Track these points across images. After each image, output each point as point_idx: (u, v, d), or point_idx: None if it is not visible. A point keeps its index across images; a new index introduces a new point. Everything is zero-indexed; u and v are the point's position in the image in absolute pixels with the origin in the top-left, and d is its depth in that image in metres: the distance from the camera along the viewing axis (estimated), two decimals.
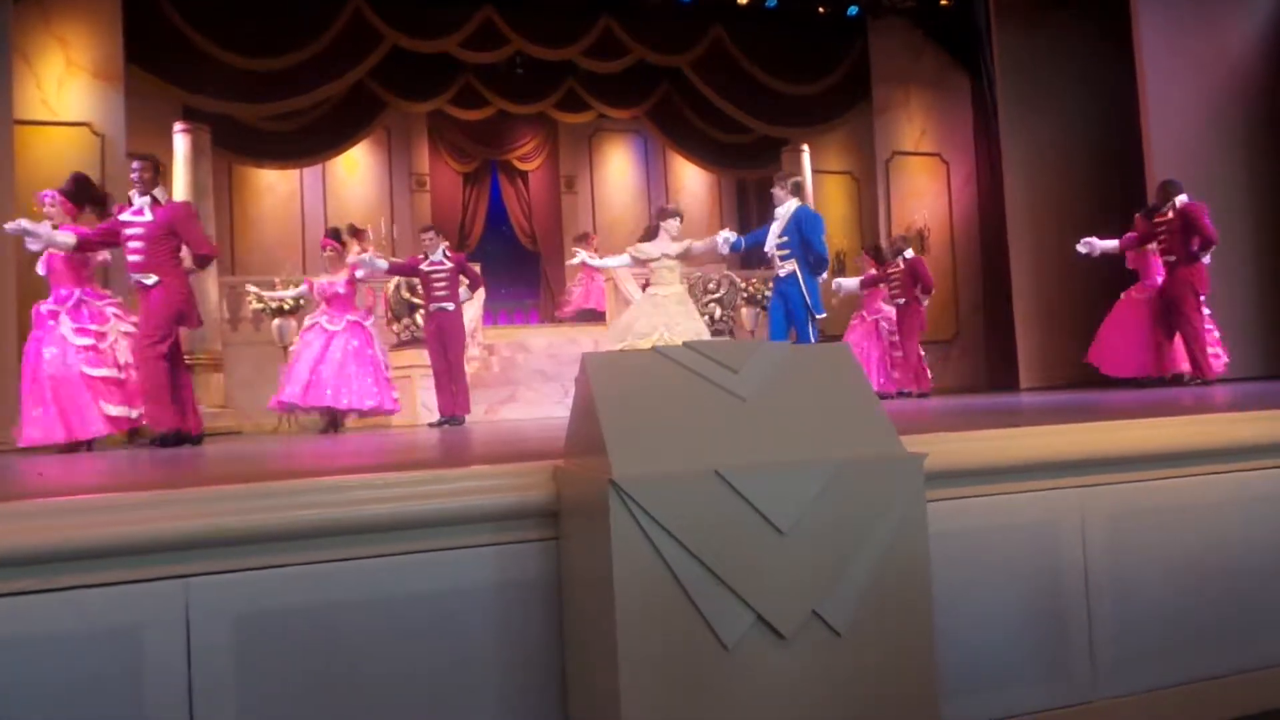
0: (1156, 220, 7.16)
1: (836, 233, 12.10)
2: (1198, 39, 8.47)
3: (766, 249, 6.32)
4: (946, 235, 11.22)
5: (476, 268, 8.08)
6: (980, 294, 11.08)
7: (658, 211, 6.28)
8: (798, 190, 6.43)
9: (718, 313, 9.76)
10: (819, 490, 1.74)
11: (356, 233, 11.67)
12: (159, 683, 1.82)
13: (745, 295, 10.44)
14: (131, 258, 5.41)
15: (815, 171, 12.21)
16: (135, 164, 5.46)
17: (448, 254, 7.46)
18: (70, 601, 1.78)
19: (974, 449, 2.42)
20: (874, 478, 1.80)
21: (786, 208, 6.27)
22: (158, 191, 5.43)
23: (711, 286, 9.83)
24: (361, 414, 7.23)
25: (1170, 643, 2.53)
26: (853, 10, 11.09)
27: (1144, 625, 2.51)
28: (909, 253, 9.06)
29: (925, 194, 11.19)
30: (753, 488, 1.71)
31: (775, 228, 6.28)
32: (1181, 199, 6.99)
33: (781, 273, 6.23)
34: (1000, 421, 3.09)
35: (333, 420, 7.20)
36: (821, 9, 11.13)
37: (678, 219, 6.32)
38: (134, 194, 5.43)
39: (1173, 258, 7.03)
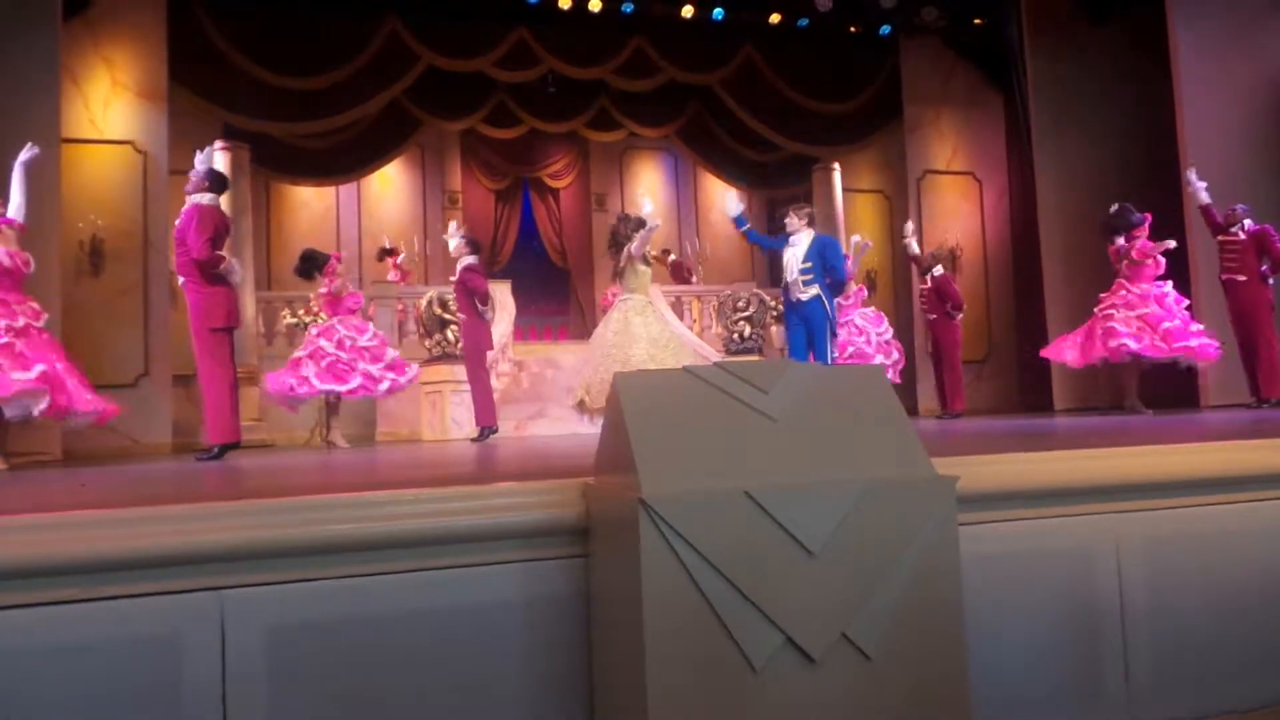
0: (1225, 240, 7.15)
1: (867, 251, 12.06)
2: (1235, 57, 8.37)
3: (788, 275, 6.43)
4: (979, 254, 11.13)
5: (500, 287, 8.08)
6: (1013, 313, 10.96)
7: (637, 222, 6.02)
8: (813, 221, 6.70)
9: (747, 330, 9.74)
10: (849, 511, 1.74)
11: (389, 252, 11.81)
12: (194, 691, 1.84)
13: (775, 314, 10.41)
14: None
15: (846, 190, 12.18)
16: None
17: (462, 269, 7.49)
18: (110, 611, 1.82)
19: (1007, 472, 2.39)
20: (905, 500, 1.79)
21: (804, 235, 6.50)
22: (197, 197, 5.42)
23: (741, 305, 9.82)
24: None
25: (1208, 673, 2.48)
26: (885, 29, 11.09)
27: (1181, 654, 2.46)
28: (937, 270, 9.02)
29: (957, 213, 11.12)
30: (782, 508, 1.70)
31: (795, 254, 6.46)
32: (1248, 222, 7.14)
33: (805, 297, 6.41)
34: (1034, 444, 3.05)
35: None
36: (853, 28, 11.13)
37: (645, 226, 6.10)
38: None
39: (1243, 277, 7.08)
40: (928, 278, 9.00)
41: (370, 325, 7.54)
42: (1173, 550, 2.49)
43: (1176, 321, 6.97)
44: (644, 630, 1.63)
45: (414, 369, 7.49)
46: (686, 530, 1.65)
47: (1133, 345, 6.92)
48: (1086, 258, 8.96)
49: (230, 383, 5.43)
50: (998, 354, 10.97)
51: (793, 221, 6.53)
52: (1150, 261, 7.17)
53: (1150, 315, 6.99)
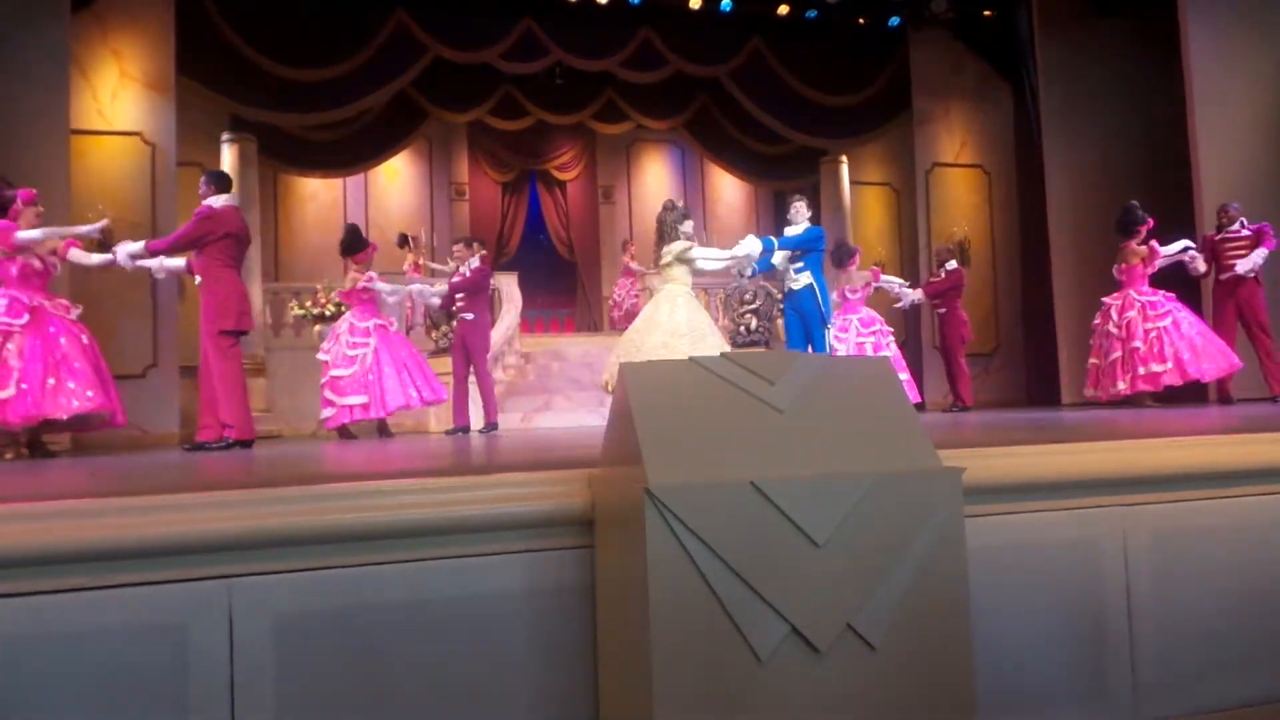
0: (1228, 238, 7.17)
1: (875, 243, 12.02)
2: (1246, 47, 8.30)
3: (779, 265, 6.36)
4: (988, 247, 11.09)
5: (507, 279, 8.20)
6: (1021, 307, 10.92)
7: (682, 214, 5.90)
8: (815, 216, 6.71)
9: (754, 323, 9.73)
10: (855, 503, 1.73)
11: (409, 240, 11.78)
12: (202, 679, 1.85)
13: (780, 307, 10.40)
14: None
15: (854, 182, 12.14)
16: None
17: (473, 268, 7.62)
18: (118, 599, 1.83)
19: (1014, 464, 2.39)
20: (911, 491, 1.79)
21: (800, 227, 6.41)
22: (213, 200, 5.61)
23: (748, 297, 9.81)
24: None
25: (1215, 666, 2.47)
26: (893, 21, 11.03)
27: (1188, 647, 2.46)
28: (951, 264, 8.98)
29: (966, 206, 11.07)
30: (788, 499, 1.70)
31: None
32: (1244, 220, 7.19)
33: (796, 286, 6.37)
34: (1041, 437, 3.04)
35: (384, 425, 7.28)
36: (862, 20, 11.09)
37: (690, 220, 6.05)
38: None
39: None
40: (942, 271, 8.96)
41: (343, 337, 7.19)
42: (1180, 543, 2.49)
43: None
44: (649, 620, 1.64)
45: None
46: (692, 521, 1.65)
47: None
48: (1095, 249, 8.91)
49: (244, 381, 5.60)
50: (1006, 347, 10.94)
51: (798, 210, 6.49)
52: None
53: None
